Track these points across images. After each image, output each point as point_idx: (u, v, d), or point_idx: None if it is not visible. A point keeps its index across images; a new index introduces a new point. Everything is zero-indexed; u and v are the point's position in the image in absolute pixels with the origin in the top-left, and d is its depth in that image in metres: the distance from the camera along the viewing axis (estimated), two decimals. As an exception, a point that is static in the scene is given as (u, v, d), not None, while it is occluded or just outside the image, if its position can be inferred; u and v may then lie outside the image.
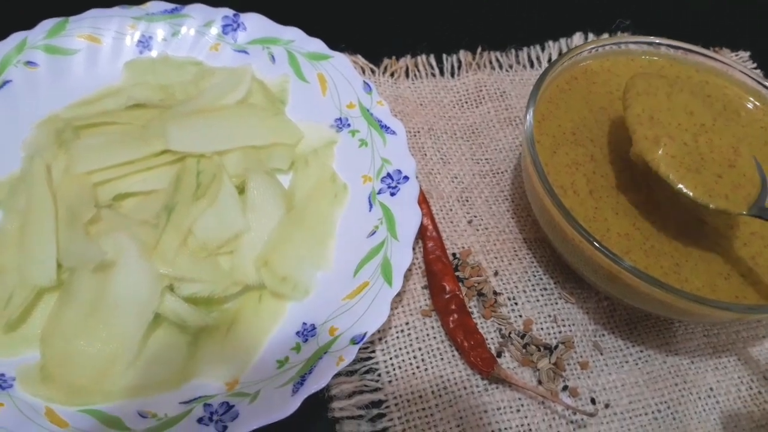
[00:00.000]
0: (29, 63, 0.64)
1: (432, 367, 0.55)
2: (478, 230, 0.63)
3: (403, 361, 0.55)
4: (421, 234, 0.60)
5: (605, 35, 0.82)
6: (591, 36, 0.81)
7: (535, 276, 0.60)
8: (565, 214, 0.50)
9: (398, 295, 0.55)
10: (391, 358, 0.55)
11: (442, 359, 0.55)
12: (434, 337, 0.56)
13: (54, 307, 0.51)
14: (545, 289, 0.60)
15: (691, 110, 0.55)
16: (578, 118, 0.60)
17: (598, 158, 0.58)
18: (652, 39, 0.65)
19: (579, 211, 0.53)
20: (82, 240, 0.52)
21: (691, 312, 0.50)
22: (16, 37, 0.64)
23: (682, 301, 0.48)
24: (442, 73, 0.76)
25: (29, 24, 0.65)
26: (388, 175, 0.61)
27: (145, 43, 0.68)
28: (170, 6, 0.69)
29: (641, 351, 0.58)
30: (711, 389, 0.56)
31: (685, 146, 0.53)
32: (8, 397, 0.46)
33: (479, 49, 0.78)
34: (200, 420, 0.46)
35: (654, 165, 0.52)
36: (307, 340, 0.52)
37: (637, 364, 0.57)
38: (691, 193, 0.51)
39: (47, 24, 0.65)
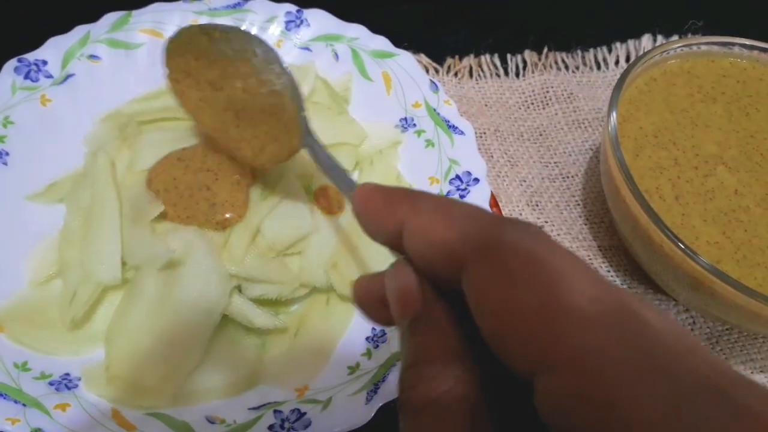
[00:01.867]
0: (92, 57, 0.63)
1: (506, 378, 0.52)
2: (550, 236, 0.60)
3: (476, 370, 0.52)
4: (492, 239, 0.58)
5: (675, 37, 0.79)
6: (660, 37, 0.79)
7: (612, 285, 0.58)
8: (654, 218, 0.48)
9: (470, 301, 0.52)
10: (462, 368, 0.52)
11: (516, 370, 0.53)
12: (507, 347, 0.54)
13: (119, 306, 0.50)
14: (623, 298, 0.57)
15: None
16: (659, 120, 0.57)
17: (682, 162, 0.55)
18: (726, 39, 0.62)
19: (666, 217, 0.51)
20: (148, 238, 0.50)
21: (788, 326, 0.47)
22: (79, 31, 0.63)
23: (779, 314, 0.46)
24: (506, 73, 0.74)
25: (93, 17, 0.64)
26: (457, 176, 0.58)
27: (207, 38, 0.67)
28: (233, 1, 0.68)
29: (723, 367, 0.55)
30: (802, 409, 0.53)
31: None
32: (74, 397, 0.45)
33: (545, 50, 0.75)
34: (271, 427, 0.44)
35: None
36: (378, 346, 0.50)
37: (719, 380, 0.54)
38: None
39: (111, 17, 0.64)
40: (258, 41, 0.52)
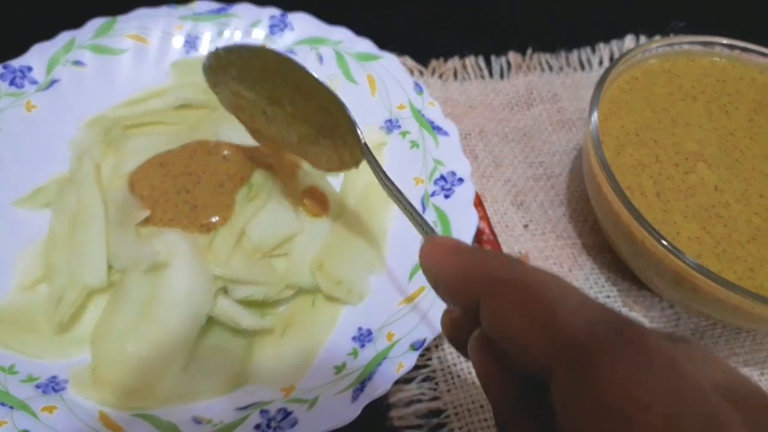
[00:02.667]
0: (77, 62, 0.63)
1: (492, 376, 0.52)
2: (534, 235, 0.61)
3: (462, 369, 0.53)
4: (477, 238, 0.58)
5: (657, 37, 0.80)
6: (643, 38, 0.79)
7: (597, 283, 0.58)
8: (635, 215, 0.48)
9: (455, 300, 0.53)
10: (449, 366, 0.53)
11: (501, 367, 0.53)
12: (493, 345, 0.54)
13: (105, 308, 0.50)
14: (608, 297, 0.58)
15: None
16: (641, 118, 0.58)
17: (663, 159, 0.56)
18: (707, 39, 0.63)
19: (647, 213, 0.51)
20: (133, 241, 0.51)
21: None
22: (64, 37, 0.63)
23: (759, 306, 0.46)
24: (491, 74, 0.74)
25: (77, 23, 0.64)
26: (442, 177, 0.59)
27: (191, 43, 0.67)
28: (217, 6, 0.68)
29: (707, 361, 0.55)
30: (785, 402, 0.53)
31: None
32: (61, 399, 0.45)
33: (529, 51, 0.76)
34: (257, 427, 0.44)
35: None
36: (364, 345, 0.50)
37: (704, 375, 0.54)
38: None
39: (95, 23, 0.65)
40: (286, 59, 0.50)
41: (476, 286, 0.27)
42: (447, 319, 0.34)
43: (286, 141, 0.52)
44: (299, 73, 0.48)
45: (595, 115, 0.54)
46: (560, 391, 0.23)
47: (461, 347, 0.32)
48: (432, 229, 0.38)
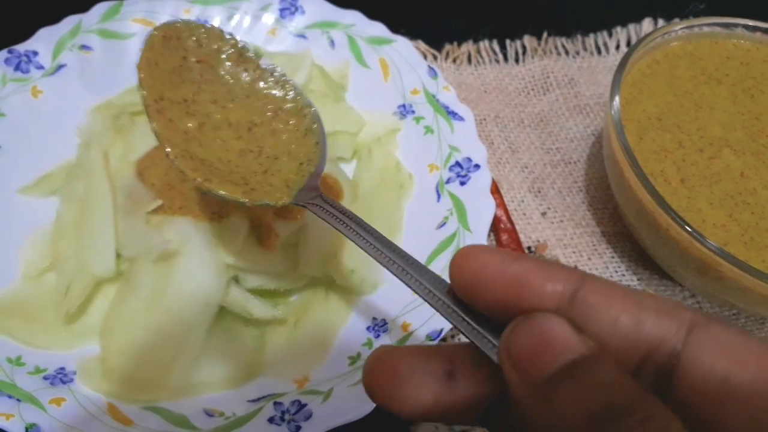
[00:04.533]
0: (84, 47, 0.61)
1: (509, 367, 0.51)
2: (553, 223, 0.59)
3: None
4: (494, 226, 0.57)
5: (676, 20, 0.78)
6: (661, 21, 0.77)
7: (617, 272, 0.57)
8: (659, 202, 0.47)
9: (472, 290, 0.51)
10: (465, 357, 0.52)
11: (520, 358, 0.52)
12: (511, 335, 0.53)
13: (114, 298, 0.49)
14: (628, 286, 0.56)
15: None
16: (662, 102, 0.56)
17: (687, 145, 0.54)
18: (728, 20, 0.61)
19: (671, 200, 0.49)
20: (143, 229, 0.49)
21: (798, 309, 0.46)
22: (70, 21, 0.62)
23: (790, 296, 0.45)
24: (506, 59, 0.72)
25: (83, 7, 0.63)
26: (457, 163, 0.57)
27: (200, 27, 0.66)
28: (226, -11, 0.67)
29: (731, 352, 0.54)
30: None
31: None
32: (69, 391, 0.44)
33: (545, 35, 0.74)
34: (271, 419, 0.43)
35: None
36: (379, 336, 0.49)
37: (727, 366, 0.53)
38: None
39: (101, 7, 0.63)
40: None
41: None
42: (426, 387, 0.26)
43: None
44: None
45: (616, 100, 0.52)
46: None
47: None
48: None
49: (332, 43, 0.66)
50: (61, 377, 0.45)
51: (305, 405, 0.44)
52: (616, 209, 0.59)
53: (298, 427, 0.42)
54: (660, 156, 0.53)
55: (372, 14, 0.66)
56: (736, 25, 0.61)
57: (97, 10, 0.63)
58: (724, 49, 0.61)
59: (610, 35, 0.76)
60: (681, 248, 0.48)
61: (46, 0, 0.68)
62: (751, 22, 0.61)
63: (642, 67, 0.58)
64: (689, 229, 0.46)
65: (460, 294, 0.26)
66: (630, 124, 0.54)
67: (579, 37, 0.75)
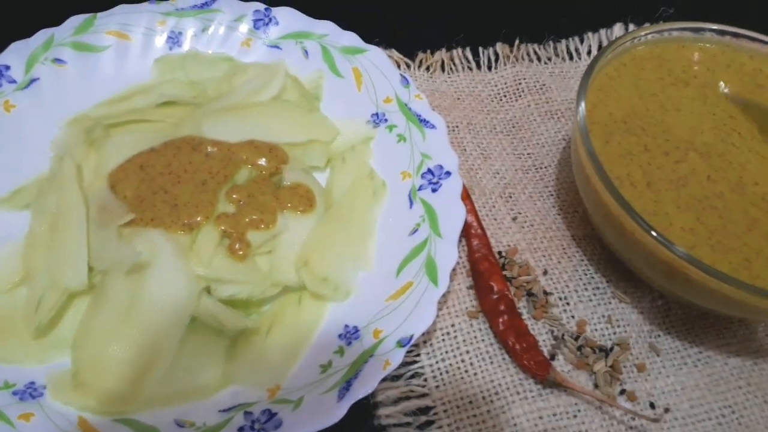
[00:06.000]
0: (57, 60, 0.62)
1: (481, 372, 0.52)
2: (523, 227, 0.60)
3: (450, 365, 0.52)
4: (465, 231, 0.58)
5: (646, 25, 0.78)
6: (632, 26, 0.78)
7: (586, 275, 0.57)
8: (624, 206, 0.47)
9: (443, 296, 0.52)
10: (437, 362, 0.52)
11: (491, 363, 0.52)
12: (482, 340, 0.53)
13: (86, 311, 0.49)
14: (597, 288, 0.57)
15: None
16: (628, 105, 0.57)
17: (652, 148, 0.55)
18: (696, 24, 0.62)
19: (637, 204, 0.50)
20: (115, 241, 0.50)
21: (763, 309, 0.47)
22: (43, 34, 0.62)
23: (753, 297, 0.45)
24: (479, 66, 0.73)
25: (56, 21, 0.63)
26: (429, 170, 0.58)
27: (174, 39, 0.66)
28: (200, 1, 0.67)
29: (700, 352, 0.55)
30: (779, 392, 0.53)
31: None
32: (39, 406, 0.44)
33: (516, 42, 0.75)
34: (241, 429, 0.44)
35: None
36: (350, 343, 0.49)
37: (696, 365, 0.54)
38: None
39: (75, 20, 0.64)
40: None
41: None
42: None
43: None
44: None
45: (582, 104, 0.53)
46: None
47: None
48: None
49: (306, 53, 0.67)
50: (30, 392, 0.45)
51: (275, 414, 0.44)
52: (585, 213, 0.60)
53: (268, 436, 0.43)
54: (626, 160, 0.53)
55: (346, 24, 0.67)
56: (703, 29, 0.62)
57: (71, 23, 0.64)
58: (690, 53, 0.62)
59: (582, 41, 0.77)
60: (647, 251, 0.48)
61: (16, 15, 0.68)
62: (717, 26, 0.62)
63: (610, 71, 0.59)
64: (654, 234, 0.46)
65: None
66: (596, 127, 0.55)
67: (551, 43, 0.76)
